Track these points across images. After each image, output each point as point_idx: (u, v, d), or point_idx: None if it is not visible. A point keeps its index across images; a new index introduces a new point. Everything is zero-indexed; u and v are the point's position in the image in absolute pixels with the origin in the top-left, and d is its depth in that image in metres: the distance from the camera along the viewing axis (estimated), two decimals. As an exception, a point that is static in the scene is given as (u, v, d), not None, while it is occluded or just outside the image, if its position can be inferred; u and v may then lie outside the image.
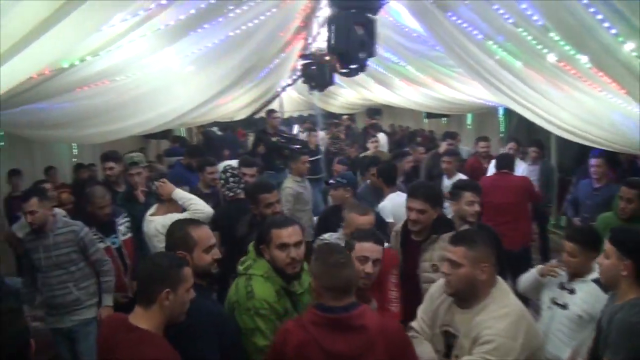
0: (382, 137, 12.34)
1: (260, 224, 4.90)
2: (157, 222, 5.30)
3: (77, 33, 3.58)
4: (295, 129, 17.07)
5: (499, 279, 3.26)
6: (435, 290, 3.51)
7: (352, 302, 2.91)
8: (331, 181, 6.55)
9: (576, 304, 3.91)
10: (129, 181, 6.95)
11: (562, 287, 4.06)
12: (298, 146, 9.78)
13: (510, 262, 6.12)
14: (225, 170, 6.34)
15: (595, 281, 3.83)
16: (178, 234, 3.36)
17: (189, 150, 9.59)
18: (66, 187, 9.25)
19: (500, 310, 3.10)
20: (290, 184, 7.32)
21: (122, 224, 5.91)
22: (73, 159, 11.42)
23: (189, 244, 3.30)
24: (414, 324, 3.54)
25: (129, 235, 5.97)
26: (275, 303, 3.40)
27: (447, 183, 7.73)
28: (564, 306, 3.99)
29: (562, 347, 3.94)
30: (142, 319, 2.81)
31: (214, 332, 3.07)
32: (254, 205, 5.20)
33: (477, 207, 4.72)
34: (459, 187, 4.95)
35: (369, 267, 3.67)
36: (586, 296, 3.88)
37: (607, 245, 3.32)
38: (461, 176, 7.67)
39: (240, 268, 3.61)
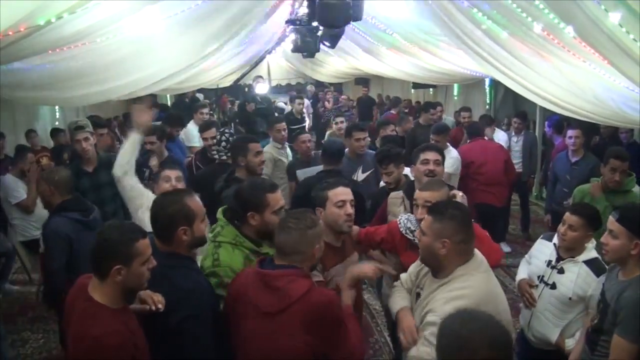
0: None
1: (236, 178, 5.10)
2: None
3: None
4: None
5: (476, 257, 3.13)
6: None
7: (286, 264, 3.02)
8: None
9: (565, 286, 3.90)
10: (75, 149, 6.10)
11: (550, 265, 4.05)
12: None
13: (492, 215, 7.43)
14: (223, 132, 6.32)
15: (587, 263, 3.87)
16: (174, 207, 3.15)
17: (168, 118, 9.00)
18: (46, 152, 9.21)
19: (456, 292, 2.99)
20: (270, 150, 7.29)
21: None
22: (55, 123, 11.33)
23: (190, 217, 3.15)
24: (403, 275, 3.60)
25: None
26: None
27: None
28: (552, 285, 3.98)
29: (551, 327, 3.97)
30: (97, 290, 2.78)
31: (169, 305, 2.98)
32: (242, 157, 5.28)
33: (431, 167, 4.59)
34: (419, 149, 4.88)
35: (349, 209, 3.77)
36: (576, 278, 3.87)
37: (614, 225, 3.37)
38: (453, 150, 7.64)
39: (209, 235, 3.52)
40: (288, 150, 7.68)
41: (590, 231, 3.94)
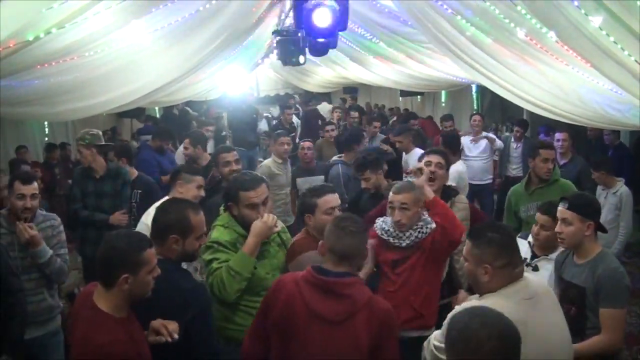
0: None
1: (218, 186, 5.42)
2: None
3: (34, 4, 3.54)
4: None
5: (520, 283, 2.89)
6: None
7: (347, 271, 2.96)
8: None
9: None
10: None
11: (525, 263, 4.09)
12: None
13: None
14: None
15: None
16: (176, 215, 3.24)
17: (159, 132, 9.03)
18: (37, 166, 9.23)
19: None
20: (268, 164, 7.17)
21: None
22: (45, 138, 11.35)
23: (186, 230, 3.22)
24: None
25: None
26: (228, 243, 3.67)
27: (404, 157, 7.89)
28: None
29: None
30: (102, 299, 2.78)
31: (177, 307, 3.03)
32: (216, 168, 5.64)
33: (432, 168, 4.67)
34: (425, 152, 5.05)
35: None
36: (549, 275, 3.95)
37: (566, 214, 3.59)
38: (419, 151, 7.69)
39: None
40: (289, 166, 7.41)
41: None
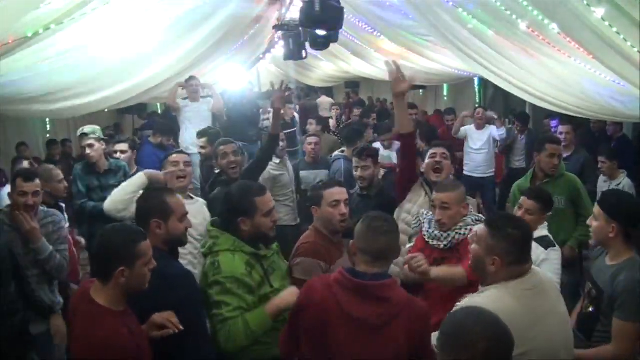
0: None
1: (221, 181, 5.22)
2: None
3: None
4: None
5: (526, 278, 2.84)
6: None
7: (383, 272, 2.89)
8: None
9: None
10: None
11: None
12: None
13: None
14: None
15: (536, 240, 3.93)
16: (154, 201, 3.30)
17: (160, 128, 8.89)
18: (38, 163, 9.20)
19: (471, 298, 2.85)
20: (267, 168, 6.52)
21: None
22: (46, 135, 11.35)
23: (166, 212, 3.25)
24: None
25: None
26: (246, 277, 3.32)
27: (382, 152, 7.75)
28: None
29: None
30: (100, 293, 2.77)
31: (162, 295, 3.00)
32: (215, 161, 5.48)
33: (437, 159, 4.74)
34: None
35: (342, 209, 3.85)
36: None
37: (595, 208, 3.52)
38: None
39: (202, 251, 3.54)
40: (289, 164, 7.00)
41: (544, 214, 4.25)
